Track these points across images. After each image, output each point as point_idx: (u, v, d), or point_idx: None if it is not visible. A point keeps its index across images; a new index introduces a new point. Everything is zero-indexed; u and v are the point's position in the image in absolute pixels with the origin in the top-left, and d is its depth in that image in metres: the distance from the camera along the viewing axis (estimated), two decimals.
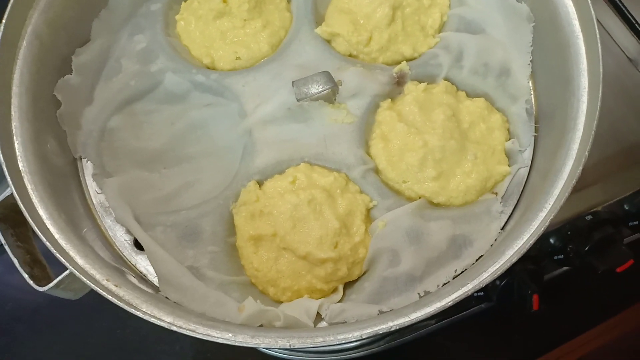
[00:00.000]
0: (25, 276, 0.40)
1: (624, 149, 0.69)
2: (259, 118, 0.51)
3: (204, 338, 0.35)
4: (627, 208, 0.69)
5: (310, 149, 0.50)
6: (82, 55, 0.52)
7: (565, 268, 0.71)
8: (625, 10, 0.76)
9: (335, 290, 0.47)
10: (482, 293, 0.69)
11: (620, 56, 0.75)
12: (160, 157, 0.52)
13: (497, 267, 0.37)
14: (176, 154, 0.52)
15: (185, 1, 0.58)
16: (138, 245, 0.47)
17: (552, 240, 0.68)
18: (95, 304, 0.74)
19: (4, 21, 0.44)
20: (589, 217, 0.66)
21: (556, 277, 0.71)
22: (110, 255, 0.44)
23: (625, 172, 0.67)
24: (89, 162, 0.50)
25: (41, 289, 0.40)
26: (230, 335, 0.36)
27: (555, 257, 0.70)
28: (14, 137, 0.42)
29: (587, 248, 0.67)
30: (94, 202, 0.49)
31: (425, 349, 0.71)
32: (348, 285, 0.47)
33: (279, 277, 0.46)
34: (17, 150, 0.42)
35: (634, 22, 0.75)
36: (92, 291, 0.76)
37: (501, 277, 0.67)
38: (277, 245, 0.47)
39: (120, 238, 0.48)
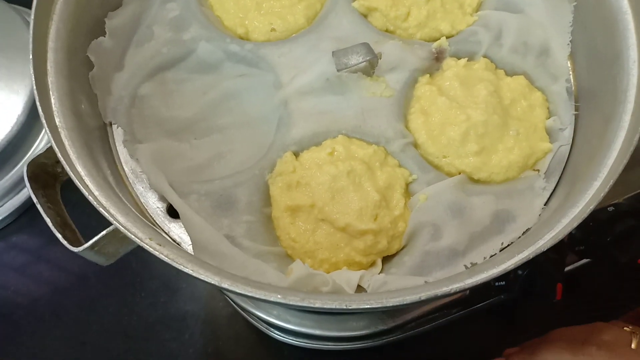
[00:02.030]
0: (59, 236, 0.38)
1: None
2: (296, 89, 0.50)
3: (254, 296, 0.33)
4: None
5: (348, 122, 0.49)
6: (115, 18, 0.51)
7: (586, 260, 0.71)
8: None
9: (373, 263, 0.45)
10: (504, 282, 0.68)
11: None
12: (191, 127, 0.50)
13: (554, 233, 0.36)
14: (207, 125, 0.51)
15: None
16: (171, 214, 0.46)
17: (573, 232, 0.67)
18: (99, 290, 0.73)
19: None
20: (611, 209, 0.65)
21: (577, 268, 0.71)
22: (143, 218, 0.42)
23: None
24: (119, 128, 0.48)
25: (76, 250, 0.38)
26: (279, 296, 0.34)
27: (577, 249, 0.69)
28: (51, 92, 0.41)
29: (608, 239, 0.66)
30: (125, 169, 0.47)
31: (443, 339, 0.70)
32: (386, 259, 0.46)
33: (317, 248, 0.45)
34: (53, 106, 0.40)
35: None
36: (99, 273, 0.75)
37: (523, 266, 0.66)
38: (314, 216, 0.45)
39: (153, 205, 0.46)
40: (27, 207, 0.75)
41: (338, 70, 0.48)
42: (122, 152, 0.48)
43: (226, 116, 0.51)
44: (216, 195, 0.46)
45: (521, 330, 0.71)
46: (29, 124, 0.74)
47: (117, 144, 0.48)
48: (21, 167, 0.75)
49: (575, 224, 0.36)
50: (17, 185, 0.75)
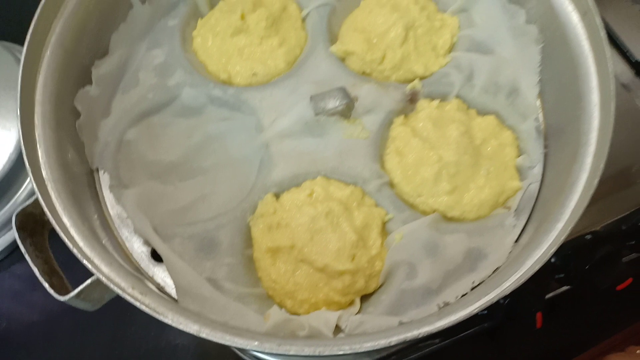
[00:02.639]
0: (46, 285, 0.39)
1: (619, 171, 0.71)
2: (276, 132, 0.52)
3: (232, 344, 0.35)
4: (624, 228, 0.70)
5: (326, 163, 0.51)
6: (102, 67, 0.53)
7: (566, 287, 0.72)
8: (616, 39, 0.79)
9: (352, 303, 0.47)
10: (486, 312, 0.70)
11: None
12: (176, 169, 0.52)
13: (519, 275, 0.38)
14: (191, 167, 0.52)
15: (202, 18, 0.59)
16: (155, 257, 0.47)
17: (553, 260, 0.69)
18: (91, 323, 0.74)
19: (30, 29, 0.45)
20: (588, 237, 0.67)
21: (558, 295, 0.72)
22: (128, 267, 0.44)
23: (621, 193, 0.69)
24: (105, 173, 0.50)
25: (62, 299, 0.39)
26: (256, 343, 0.36)
27: (557, 276, 0.71)
28: (38, 145, 0.42)
29: (587, 267, 0.68)
30: (111, 214, 0.49)
31: None
32: (364, 298, 0.48)
33: (297, 289, 0.46)
34: (40, 158, 0.42)
35: (625, 50, 0.78)
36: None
37: (505, 295, 0.68)
38: (294, 257, 0.47)
39: (138, 250, 0.47)
40: None
41: (316, 115, 0.50)
42: (109, 197, 0.50)
43: (210, 158, 0.53)
44: (199, 238, 0.48)
45: (505, 358, 0.72)
46: (20, 161, 0.75)
47: (103, 189, 0.50)
48: (13, 203, 0.76)
49: (537, 267, 0.38)
50: (8, 223, 0.76)
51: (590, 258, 0.68)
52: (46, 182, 0.41)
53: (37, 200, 0.42)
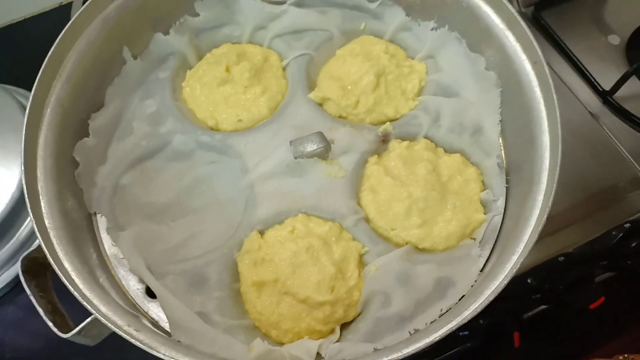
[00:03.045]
0: (50, 324, 0.43)
1: (590, 195, 0.76)
2: (260, 174, 0.56)
3: None
4: (596, 248, 0.74)
5: (306, 201, 0.55)
6: (98, 119, 0.58)
7: (543, 306, 0.76)
8: (585, 71, 0.84)
9: (332, 331, 0.51)
10: (467, 332, 0.73)
11: (583, 111, 0.83)
12: (168, 210, 0.57)
13: (476, 305, 0.42)
14: (183, 207, 0.57)
15: (190, 70, 0.65)
16: (149, 294, 0.51)
17: (529, 280, 0.73)
18: (90, 351, 0.76)
19: (32, 91, 0.49)
20: (561, 259, 0.71)
21: (535, 315, 0.76)
22: (124, 304, 0.48)
23: (593, 216, 0.74)
24: (102, 217, 0.54)
25: (64, 336, 0.43)
26: None
27: (534, 296, 0.75)
28: (40, 197, 0.47)
29: (561, 287, 0.72)
30: (108, 254, 0.53)
31: None
32: (344, 326, 0.52)
33: (281, 319, 0.50)
34: (43, 209, 0.46)
35: (593, 80, 0.84)
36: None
37: (484, 316, 0.72)
38: (278, 290, 0.51)
39: (133, 287, 0.51)
40: None
41: (295, 157, 0.55)
42: (106, 239, 0.54)
43: (199, 199, 0.57)
44: (190, 274, 0.52)
45: None
46: (22, 199, 0.79)
47: (101, 231, 0.54)
48: (16, 240, 0.80)
49: (492, 297, 0.42)
50: (13, 257, 0.80)
51: (564, 279, 0.72)
52: (48, 231, 0.45)
53: (40, 245, 0.46)
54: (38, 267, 0.47)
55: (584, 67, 0.86)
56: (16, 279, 0.79)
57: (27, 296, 0.79)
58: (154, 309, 0.50)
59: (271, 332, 0.50)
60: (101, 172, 0.56)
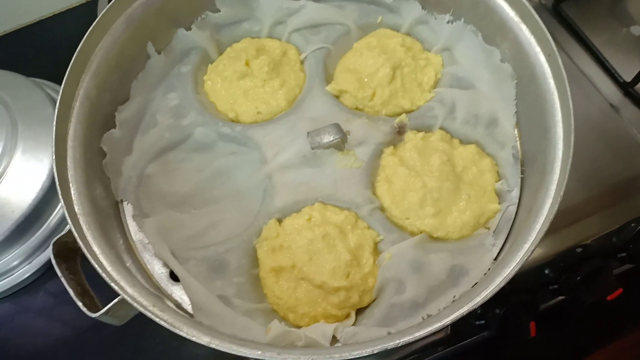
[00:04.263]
0: (79, 304, 0.46)
1: (609, 187, 0.76)
2: (278, 164, 0.58)
3: (238, 354, 0.41)
4: (614, 241, 0.74)
5: (323, 191, 0.57)
6: (123, 112, 0.60)
7: (560, 297, 0.77)
8: (605, 61, 0.84)
9: (348, 316, 0.52)
10: (484, 322, 0.74)
11: (603, 103, 0.83)
12: (190, 199, 0.59)
13: (487, 292, 0.43)
14: (204, 197, 0.59)
15: (211, 64, 0.67)
16: (173, 277, 0.53)
17: (546, 272, 0.73)
18: (116, 334, 0.80)
19: (62, 85, 0.52)
20: (579, 250, 0.72)
21: (552, 305, 0.76)
22: (149, 286, 0.50)
23: (611, 208, 0.74)
24: (129, 204, 0.57)
25: (93, 316, 0.46)
26: (259, 352, 0.41)
27: (551, 287, 0.75)
28: (70, 184, 0.49)
29: (578, 278, 0.72)
30: (134, 240, 0.56)
31: None
32: (359, 311, 0.53)
33: (298, 304, 0.52)
34: (73, 195, 0.49)
35: (614, 71, 0.83)
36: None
37: (500, 306, 0.72)
38: (295, 275, 0.53)
39: (158, 271, 0.54)
40: None
41: (312, 149, 0.57)
42: (132, 225, 0.56)
43: (219, 189, 0.59)
44: (211, 260, 0.54)
45: None
46: (52, 189, 0.82)
47: (127, 218, 0.57)
48: (46, 227, 0.83)
49: (503, 284, 0.43)
50: (44, 244, 0.83)
51: (581, 270, 0.72)
52: (78, 216, 0.48)
53: (70, 230, 0.49)
54: (68, 252, 0.50)
55: (604, 58, 0.85)
56: (46, 265, 0.82)
57: (57, 283, 0.83)
58: (177, 292, 0.53)
59: (288, 315, 0.52)
60: (127, 163, 0.59)
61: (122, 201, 0.58)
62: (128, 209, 0.57)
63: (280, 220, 0.56)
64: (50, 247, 0.49)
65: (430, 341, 0.73)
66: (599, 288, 0.73)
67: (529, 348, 0.77)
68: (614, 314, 0.78)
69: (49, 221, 0.84)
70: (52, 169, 0.82)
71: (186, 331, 0.42)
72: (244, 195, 0.59)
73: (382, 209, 0.56)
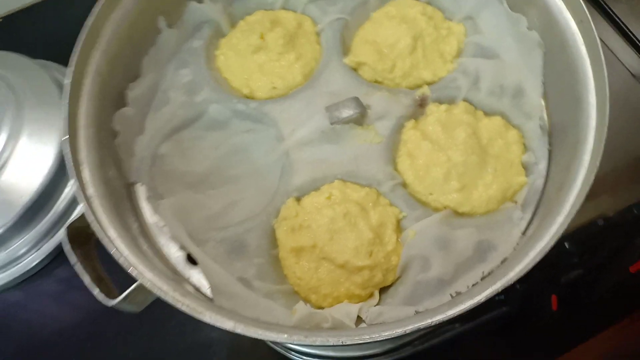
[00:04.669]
0: (95, 292, 0.44)
1: (632, 159, 0.74)
2: (296, 141, 0.56)
3: (263, 338, 0.39)
4: (636, 213, 0.73)
5: (342, 167, 0.55)
6: (135, 89, 0.58)
7: (581, 270, 0.75)
8: (628, 31, 0.81)
9: (371, 295, 0.51)
10: (503, 297, 0.73)
11: (625, 74, 0.80)
12: (207, 179, 0.57)
13: (521, 266, 0.41)
14: (220, 176, 0.57)
15: (223, 38, 0.64)
16: (191, 261, 0.52)
17: (567, 245, 0.72)
18: (132, 319, 0.79)
19: (73, 60, 0.50)
20: (601, 222, 0.70)
21: (574, 278, 0.75)
22: (167, 271, 0.49)
23: (634, 180, 0.72)
24: (142, 186, 0.55)
25: (110, 304, 0.44)
26: (285, 336, 0.40)
27: (572, 261, 0.74)
28: (83, 165, 0.48)
29: (600, 251, 0.71)
30: (149, 223, 0.54)
31: (449, 352, 0.74)
32: (383, 290, 0.52)
33: (320, 284, 0.50)
34: (86, 177, 0.47)
35: (637, 41, 0.80)
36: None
37: (520, 280, 0.71)
38: (316, 255, 0.51)
39: (174, 254, 0.52)
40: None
41: (331, 124, 0.55)
42: (146, 208, 0.55)
43: (236, 168, 0.58)
44: (230, 241, 0.52)
45: (523, 340, 0.74)
46: (60, 172, 0.81)
47: (141, 200, 0.55)
48: (54, 212, 0.82)
49: (538, 258, 0.41)
50: (52, 229, 0.82)
51: (603, 242, 0.71)
52: (92, 199, 0.46)
53: (84, 214, 0.47)
54: (81, 236, 0.48)
55: (627, 28, 0.83)
56: (55, 251, 0.81)
57: (67, 269, 0.82)
58: (195, 276, 0.51)
59: (310, 296, 0.50)
60: (140, 142, 0.57)
61: (133, 184, 0.56)
62: (141, 191, 0.55)
63: (299, 199, 0.55)
64: (64, 232, 0.47)
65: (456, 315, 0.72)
66: (621, 260, 0.72)
67: (549, 322, 0.75)
68: (637, 285, 0.76)
69: (57, 206, 0.82)
70: (59, 151, 0.81)
71: (209, 316, 0.40)
72: (261, 173, 0.57)
73: (404, 185, 0.54)
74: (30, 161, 0.78)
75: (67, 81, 0.49)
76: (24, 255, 0.79)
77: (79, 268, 0.45)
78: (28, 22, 1.01)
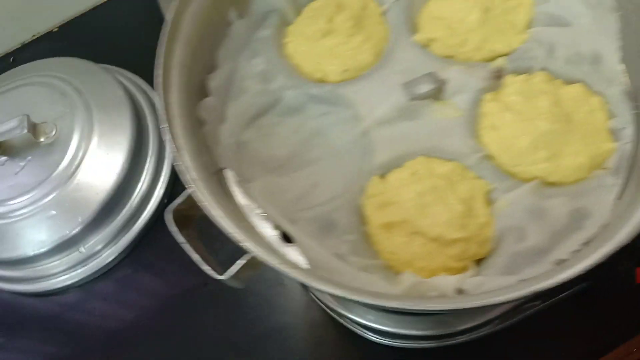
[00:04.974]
0: (207, 268, 0.46)
1: None
2: (374, 120, 0.57)
3: (375, 303, 0.40)
4: None
5: (424, 143, 0.55)
6: (215, 79, 0.60)
7: None
8: None
9: (467, 267, 0.51)
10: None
11: None
12: (288, 163, 0.58)
13: (631, 227, 0.41)
14: (301, 159, 0.58)
15: (290, 26, 0.65)
16: (285, 239, 0.53)
17: None
18: (205, 309, 0.81)
19: (160, 54, 0.52)
20: None
21: None
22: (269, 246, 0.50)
23: None
24: (230, 171, 0.56)
25: (221, 277, 0.46)
26: (398, 302, 0.41)
27: None
28: (184, 152, 0.49)
29: None
30: (240, 205, 0.55)
31: (528, 330, 0.73)
32: (479, 262, 0.52)
33: (414, 258, 0.51)
34: (188, 162, 0.49)
35: None
36: (204, 294, 0.81)
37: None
38: (407, 230, 0.52)
39: (269, 234, 0.53)
40: (139, 241, 0.84)
41: (409, 100, 0.55)
42: (237, 191, 0.55)
43: (316, 150, 0.58)
44: (319, 220, 0.53)
45: (603, 318, 0.73)
46: (132, 169, 0.83)
47: (231, 184, 0.56)
48: (129, 208, 0.84)
49: None
50: (127, 225, 0.84)
51: None
52: (196, 182, 0.47)
53: (187, 199, 0.49)
54: (183, 219, 0.50)
55: None
56: (130, 245, 0.84)
57: (144, 258, 0.85)
58: (291, 254, 0.52)
59: (405, 270, 0.51)
60: (223, 131, 0.58)
61: (223, 169, 0.57)
62: (230, 176, 0.56)
63: (383, 177, 0.55)
64: (170, 216, 0.49)
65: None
66: None
67: (630, 295, 0.74)
68: None
69: (131, 201, 0.85)
70: (130, 149, 0.83)
71: (323, 286, 0.41)
72: (341, 154, 0.58)
73: (489, 157, 0.54)
74: (103, 159, 0.81)
75: (158, 72, 0.51)
76: (101, 250, 0.82)
77: (187, 247, 0.47)
78: (84, 28, 1.05)
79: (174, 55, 0.55)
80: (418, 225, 0.51)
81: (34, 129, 0.81)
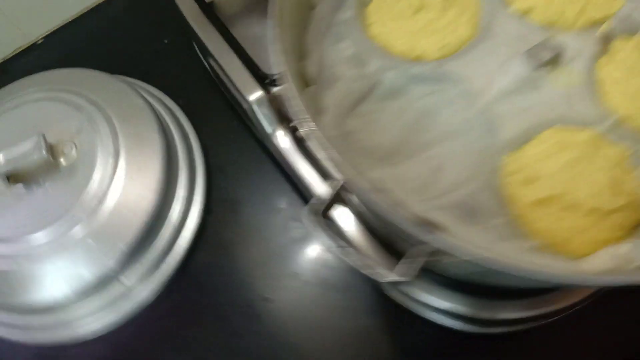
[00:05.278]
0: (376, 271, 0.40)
1: None
2: (495, 94, 0.52)
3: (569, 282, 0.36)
4: None
5: (551, 114, 0.52)
6: (309, 67, 0.54)
7: None
8: None
9: (631, 235, 0.47)
10: None
11: None
12: (398, 150, 0.53)
13: None
14: (412, 145, 0.53)
15: (367, 6, 0.60)
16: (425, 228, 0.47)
17: None
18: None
19: (274, 42, 0.46)
20: None
21: None
22: None
23: None
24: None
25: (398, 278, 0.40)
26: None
27: None
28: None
29: None
30: None
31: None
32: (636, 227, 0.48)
33: (570, 235, 0.47)
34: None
35: None
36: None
37: None
38: (558, 206, 0.47)
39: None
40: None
41: (535, 68, 0.51)
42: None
43: (427, 133, 0.53)
44: (456, 207, 0.48)
45: None
46: (168, 183, 0.75)
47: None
48: (163, 233, 0.75)
49: None
50: (173, 241, 0.76)
51: None
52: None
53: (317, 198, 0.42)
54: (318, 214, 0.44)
55: None
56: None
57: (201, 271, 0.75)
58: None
59: (566, 248, 0.47)
60: (326, 122, 0.52)
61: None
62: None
63: (515, 153, 0.51)
64: (307, 210, 0.44)
65: None
66: None
67: None
68: None
69: (169, 217, 0.77)
70: (162, 160, 0.74)
71: (502, 263, 0.36)
72: (458, 134, 0.53)
73: (622, 120, 0.51)
74: (136, 175, 0.73)
75: (280, 58, 0.45)
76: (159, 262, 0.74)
77: (347, 251, 0.40)
78: (73, 38, 0.96)
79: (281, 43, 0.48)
80: (568, 199, 0.47)
81: (51, 150, 0.71)
